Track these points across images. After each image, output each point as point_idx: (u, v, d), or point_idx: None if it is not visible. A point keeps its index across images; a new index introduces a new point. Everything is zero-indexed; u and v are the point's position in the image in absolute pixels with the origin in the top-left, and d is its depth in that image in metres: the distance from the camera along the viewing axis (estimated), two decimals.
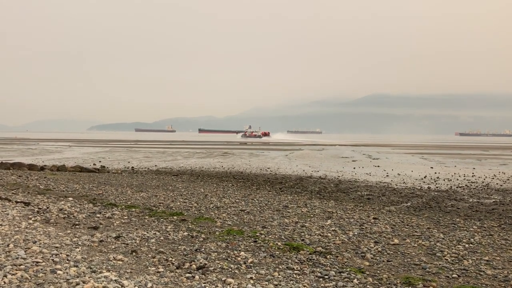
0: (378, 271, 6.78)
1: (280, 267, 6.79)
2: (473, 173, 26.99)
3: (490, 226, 10.87)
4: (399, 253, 7.93)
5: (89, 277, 5.59)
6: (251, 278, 6.21)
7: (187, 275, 6.16)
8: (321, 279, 6.31)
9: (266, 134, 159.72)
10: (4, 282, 5.21)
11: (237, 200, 13.80)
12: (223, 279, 6.07)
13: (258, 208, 12.34)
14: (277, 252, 7.57)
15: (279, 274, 6.41)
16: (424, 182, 22.08)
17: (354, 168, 30.52)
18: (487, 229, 10.37)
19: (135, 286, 5.45)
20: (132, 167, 28.59)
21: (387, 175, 25.42)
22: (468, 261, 7.47)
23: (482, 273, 6.85)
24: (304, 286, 5.97)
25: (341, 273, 6.56)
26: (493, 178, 24.05)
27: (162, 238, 8.29)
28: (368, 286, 6.07)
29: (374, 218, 11.25)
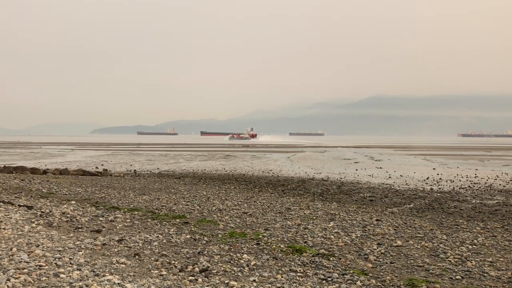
0: (381, 273, 6.77)
1: (283, 269, 6.78)
2: (475, 174, 26.92)
3: (494, 227, 10.83)
4: (402, 254, 7.91)
5: (92, 281, 5.60)
6: (254, 280, 6.20)
7: (190, 278, 6.16)
8: (324, 281, 6.30)
9: (253, 136, 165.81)
10: (8, 286, 5.21)
11: (239, 203, 13.79)
12: (226, 282, 6.07)
13: (261, 211, 12.33)
14: (280, 255, 7.56)
15: (282, 277, 6.40)
16: (427, 183, 22.04)
17: (357, 169, 30.48)
18: (490, 230, 10.34)
19: None
20: (135, 170, 28.62)
21: (390, 177, 25.37)
22: (471, 262, 7.45)
23: (485, 274, 6.83)
24: None
25: (344, 275, 6.54)
26: (496, 179, 23.99)
27: (164, 241, 8.29)
28: None
29: (376, 220, 11.23)
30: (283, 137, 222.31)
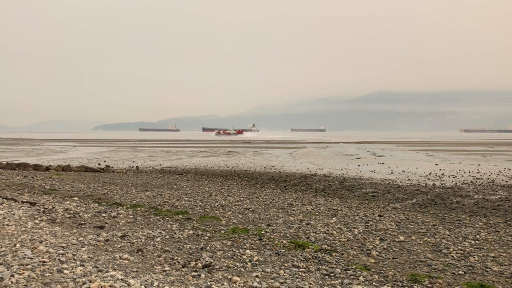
0: (384, 268, 6.77)
1: (286, 265, 6.79)
2: (478, 170, 26.88)
3: (496, 222, 10.82)
4: (404, 250, 7.91)
5: (95, 276, 5.61)
6: (257, 276, 6.21)
7: (193, 273, 6.17)
8: (326, 276, 6.31)
9: (240, 132, 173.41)
10: (12, 282, 5.23)
11: (241, 199, 13.80)
12: (229, 277, 6.08)
13: (263, 206, 12.34)
14: (282, 250, 7.57)
15: (284, 272, 6.41)
16: (429, 179, 22.02)
17: (359, 165, 30.45)
18: (493, 226, 10.33)
19: (141, 285, 5.47)
20: (137, 166, 28.65)
21: (392, 172, 25.35)
22: (474, 257, 7.45)
23: (488, 269, 6.83)
24: (310, 284, 5.96)
25: (347, 271, 6.55)
26: (498, 175, 23.95)
27: (167, 237, 8.30)
28: (374, 284, 6.06)
29: (379, 216, 11.23)
30: (273, 133, 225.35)
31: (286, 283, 5.96)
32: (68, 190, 14.47)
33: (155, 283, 5.60)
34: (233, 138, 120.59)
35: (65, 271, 5.74)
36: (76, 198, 12.56)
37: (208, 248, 7.56)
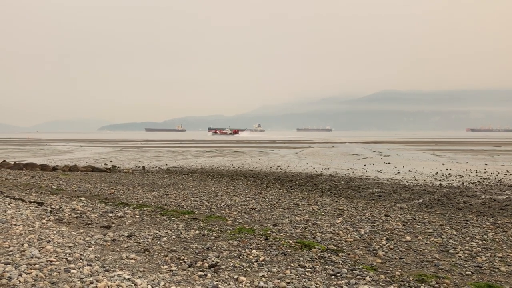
0: (391, 268, 6.75)
1: (292, 265, 6.78)
2: (485, 169, 26.71)
3: (504, 222, 10.75)
4: (411, 250, 7.88)
5: (102, 276, 5.64)
6: (263, 276, 6.21)
7: (200, 273, 6.18)
8: (333, 276, 6.30)
9: (236, 132, 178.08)
10: (20, 281, 5.27)
11: (247, 199, 13.81)
12: (235, 277, 6.08)
13: (269, 206, 12.33)
14: (288, 250, 7.56)
15: (291, 272, 6.40)
16: (436, 178, 21.91)
17: (365, 165, 30.36)
18: (500, 226, 10.26)
19: (148, 284, 5.49)
20: (143, 166, 28.74)
21: (398, 172, 25.25)
22: (481, 258, 7.40)
23: (496, 270, 6.78)
24: (316, 283, 5.96)
25: (353, 271, 6.53)
26: (506, 174, 23.78)
27: (174, 236, 8.32)
28: (380, 284, 6.04)
29: (385, 215, 11.19)
30: (279, 132, 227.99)
31: (292, 283, 5.95)
32: (75, 190, 14.54)
33: (162, 283, 5.61)
34: (238, 138, 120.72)
35: (73, 271, 5.77)
36: (83, 198, 12.63)
37: (215, 248, 7.57)
